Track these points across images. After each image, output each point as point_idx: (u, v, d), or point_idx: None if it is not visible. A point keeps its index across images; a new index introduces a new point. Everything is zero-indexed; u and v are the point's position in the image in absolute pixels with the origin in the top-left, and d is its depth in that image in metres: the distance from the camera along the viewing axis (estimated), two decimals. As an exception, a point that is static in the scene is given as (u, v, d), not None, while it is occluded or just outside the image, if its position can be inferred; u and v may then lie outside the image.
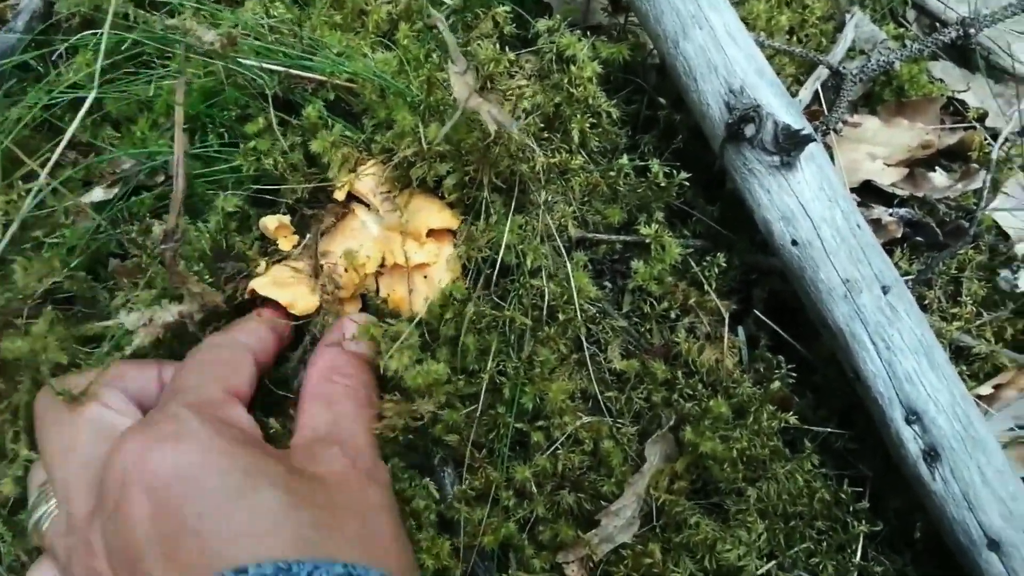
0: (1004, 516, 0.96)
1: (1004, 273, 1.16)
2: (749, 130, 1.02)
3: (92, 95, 1.02)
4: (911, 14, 1.51)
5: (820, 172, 1.05)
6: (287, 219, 1.12)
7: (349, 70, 1.16)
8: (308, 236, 1.14)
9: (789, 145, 1.01)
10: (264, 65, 1.15)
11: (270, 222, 1.10)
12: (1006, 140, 1.27)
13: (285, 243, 1.11)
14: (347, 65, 1.16)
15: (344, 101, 1.20)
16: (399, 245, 1.10)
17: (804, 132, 1.00)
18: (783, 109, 1.06)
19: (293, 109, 1.18)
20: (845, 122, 1.28)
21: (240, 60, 1.13)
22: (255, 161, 1.14)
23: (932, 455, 0.99)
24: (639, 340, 1.14)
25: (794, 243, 1.04)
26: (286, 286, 1.07)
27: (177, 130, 1.03)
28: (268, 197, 1.16)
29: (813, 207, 1.04)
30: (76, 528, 0.81)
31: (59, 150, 1.07)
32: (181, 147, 1.04)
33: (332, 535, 0.77)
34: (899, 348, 1.01)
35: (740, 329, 1.18)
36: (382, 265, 1.12)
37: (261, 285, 1.06)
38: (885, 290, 1.03)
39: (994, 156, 1.19)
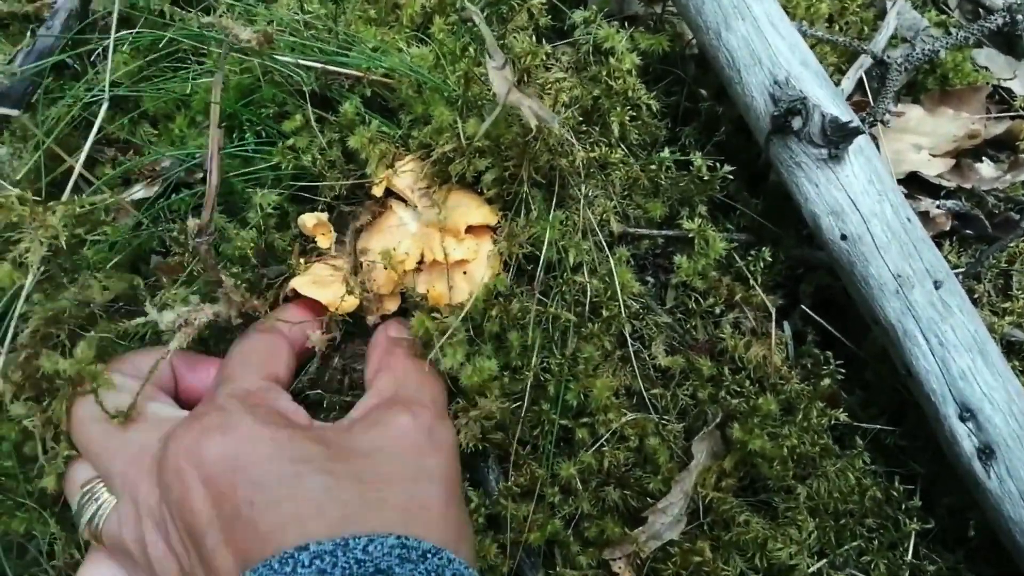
0: (1062, 515, 0.94)
1: (1055, 271, 1.14)
2: (796, 123, 1.00)
3: (105, 100, 1.01)
4: (952, 0, 1.48)
5: (869, 165, 1.03)
6: (325, 216, 1.11)
7: (385, 65, 1.14)
8: (346, 233, 1.13)
9: (838, 138, 0.99)
10: (300, 61, 1.14)
11: (308, 220, 1.10)
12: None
13: (323, 240, 1.10)
14: (383, 60, 1.15)
15: (381, 97, 1.19)
16: (438, 241, 1.09)
17: (853, 124, 0.98)
18: (830, 100, 1.03)
19: (330, 106, 1.17)
20: (890, 112, 1.26)
21: (276, 57, 1.12)
22: (293, 159, 1.13)
23: (987, 453, 0.97)
24: (683, 336, 1.13)
25: (843, 238, 1.02)
26: (326, 285, 1.07)
27: (212, 126, 1.03)
28: (306, 195, 1.16)
29: (863, 201, 1.01)
30: (149, 515, 0.85)
31: (89, 144, 1.07)
32: (216, 143, 1.03)
33: (378, 510, 0.80)
34: (952, 344, 0.99)
35: (786, 325, 1.16)
36: (421, 261, 1.11)
37: (302, 284, 1.06)
38: (937, 285, 1.01)
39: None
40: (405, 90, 1.15)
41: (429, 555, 0.77)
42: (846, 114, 1.03)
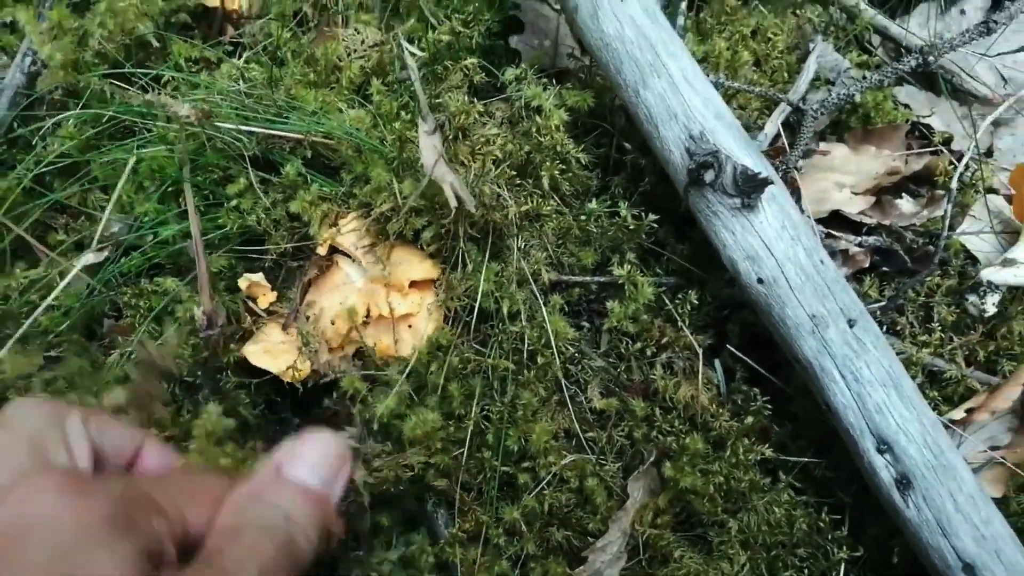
0: (977, 540, 0.99)
1: (972, 298, 1.19)
2: (709, 175, 1.05)
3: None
4: (876, 39, 1.55)
5: (782, 212, 1.08)
6: (260, 277, 1.15)
7: (324, 128, 1.19)
8: (294, 289, 1.18)
9: (748, 188, 1.04)
10: (242, 128, 1.19)
11: (242, 283, 1.14)
12: (967, 164, 1.29)
13: (263, 300, 1.14)
14: (322, 123, 1.20)
15: (323, 156, 1.24)
16: (383, 297, 1.14)
17: (762, 176, 1.03)
18: (743, 151, 1.09)
19: (273, 167, 1.22)
20: (809, 155, 1.32)
21: (218, 125, 1.17)
22: (239, 219, 1.18)
23: (904, 483, 1.02)
24: (618, 378, 1.17)
25: (760, 281, 1.07)
26: (279, 354, 1.11)
27: (191, 211, 1.08)
28: (254, 255, 1.20)
29: (776, 246, 1.07)
30: None
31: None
32: (197, 227, 1.08)
33: None
34: (867, 380, 1.04)
35: (717, 363, 1.21)
36: (367, 316, 1.16)
37: (253, 353, 1.10)
38: (851, 323, 1.06)
39: (954, 181, 1.22)
40: (345, 151, 1.21)
41: None
42: (758, 164, 1.08)
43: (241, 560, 0.58)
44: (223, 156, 1.20)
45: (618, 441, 1.14)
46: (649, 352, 1.17)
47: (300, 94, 1.26)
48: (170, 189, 1.23)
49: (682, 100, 1.11)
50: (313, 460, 0.67)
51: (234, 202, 1.19)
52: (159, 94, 1.08)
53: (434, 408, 1.08)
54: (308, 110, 1.24)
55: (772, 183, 1.05)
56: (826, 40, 1.45)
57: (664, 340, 1.17)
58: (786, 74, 1.42)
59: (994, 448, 1.18)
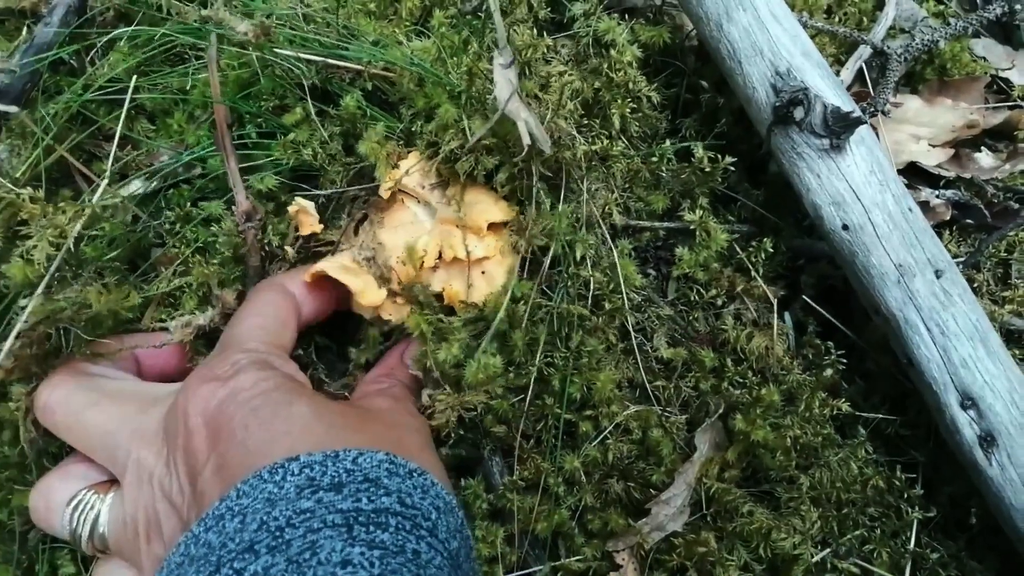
0: (1062, 501, 0.95)
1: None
2: (798, 113, 1.00)
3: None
4: (951, -9, 1.48)
5: (870, 155, 1.03)
6: (310, 205, 1.10)
7: (386, 59, 1.14)
8: (345, 225, 1.13)
9: (839, 128, 0.99)
10: (300, 55, 1.13)
11: (291, 208, 1.09)
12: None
13: (305, 228, 1.09)
14: (384, 54, 1.15)
15: (381, 91, 1.18)
16: (459, 239, 1.08)
17: (855, 114, 0.98)
18: (831, 91, 1.04)
19: (331, 99, 1.17)
20: (890, 103, 1.26)
21: (276, 50, 1.12)
22: (294, 153, 1.13)
23: (989, 441, 0.98)
24: (686, 328, 1.13)
25: (845, 228, 1.02)
26: (356, 274, 1.07)
27: (217, 103, 1.03)
28: (307, 188, 1.15)
29: (864, 191, 1.02)
30: (155, 479, 0.86)
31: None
32: (223, 120, 1.05)
33: (360, 434, 0.85)
34: (954, 333, 0.99)
35: (787, 315, 1.16)
36: (438, 257, 1.11)
37: (331, 268, 1.05)
38: (938, 274, 1.01)
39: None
40: (406, 84, 1.15)
41: (415, 474, 0.81)
42: (847, 104, 1.03)
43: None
44: (279, 83, 1.15)
45: (684, 393, 1.10)
46: (719, 302, 1.13)
47: (360, 24, 1.21)
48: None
49: (768, 35, 1.05)
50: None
51: (290, 134, 1.14)
52: (216, 9, 1.03)
53: (495, 354, 1.03)
54: (368, 40, 1.18)
55: (864, 122, 0.99)
56: (902, -13, 1.39)
57: (735, 290, 1.13)
58: (863, 19, 1.36)
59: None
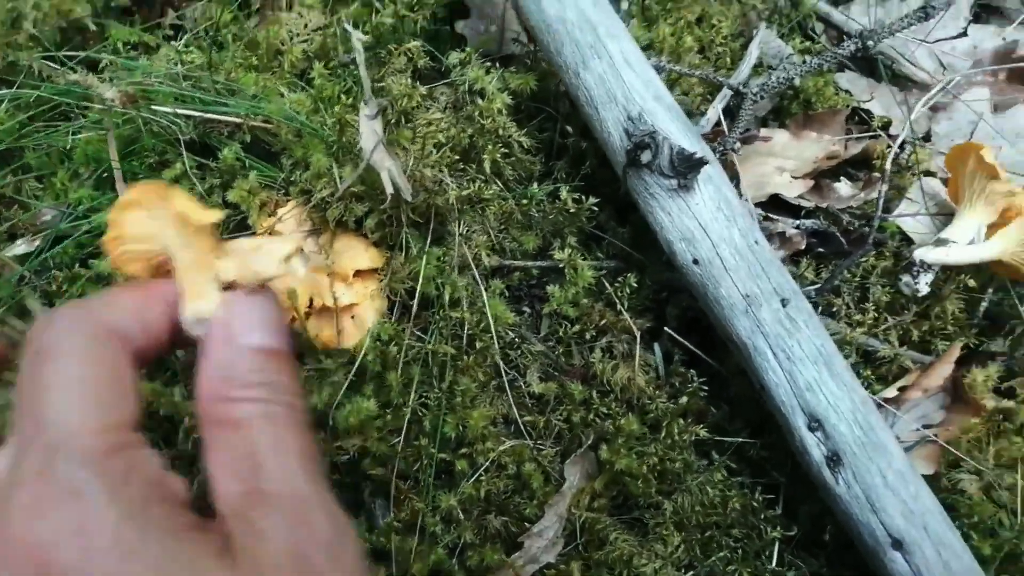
0: (906, 516, 1.01)
1: (905, 278, 1.21)
2: (645, 156, 1.06)
3: None
4: (820, 26, 1.56)
5: (718, 193, 1.09)
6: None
7: (264, 112, 1.18)
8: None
9: (684, 168, 1.05)
10: (178, 111, 1.17)
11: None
12: (904, 147, 1.31)
13: None
14: (262, 107, 1.19)
15: (263, 141, 1.23)
16: (327, 286, 1.13)
17: (698, 156, 1.04)
18: (680, 133, 1.10)
19: (212, 153, 1.21)
20: (751, 140, 1.33)
21: (153, 108, 1.16)
22: (174, 206, 1.17)
23: (835, 460, 1.04)
24: (557, 362, 1.18)
25: (696, 262, 1.08)
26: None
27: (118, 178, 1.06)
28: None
29: (712, 227, 1.08)
30: None
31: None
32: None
33: None
34: (799, 358, 1.05)
35: (656, 346, 1.21)
36: (310, 306, 1.15)
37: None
38: (784, 303, 1.07)
39: (888, 163, 1.24)
40: (285, 135, 1.19)
41: None
42: (694, 145, 1.09)
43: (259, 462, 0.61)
44: (160, 140, 1.19)
45: (556, 426, 1.15)
46: (588, 336, 1.18)
47: (240, 78, 1.25)
48: (105, 175, 1.21)
49: (622, 82, 1.11)
50: (262, 321, 0.67)
51: (170, 188, 1.17)
52: (86, 75, 1.06)
53: (371, 396, 1.07)
54: (248, 94, 1.23)
55: (708, 163, 1.05)
56: (770, 27, 1.47)
57: (604, 323, 1.18)
58: (730, 60, 1.43)
59: (927, 426, 1.20)
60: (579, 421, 1.14)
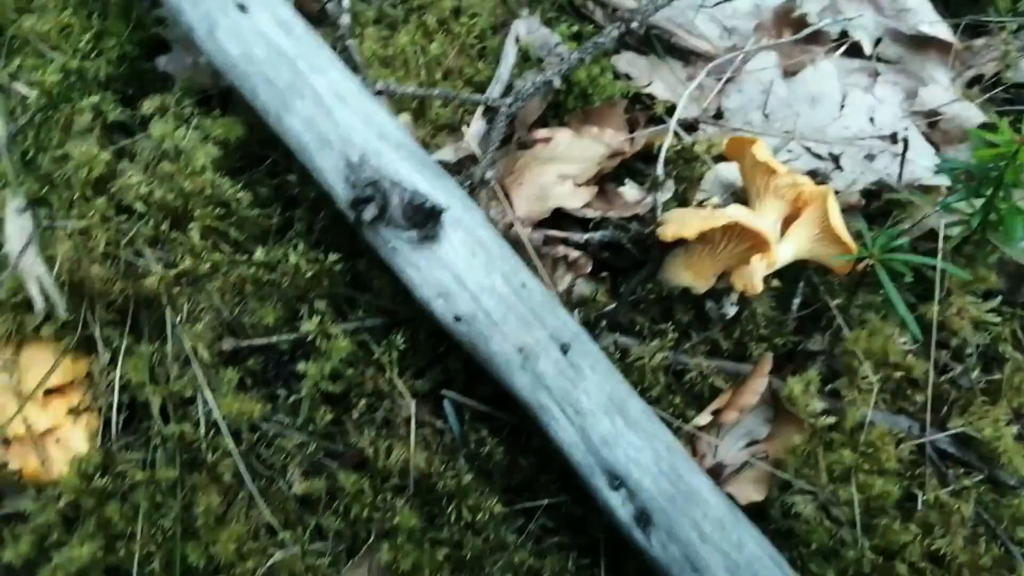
0: (731, 570, 0.90)
1: (709, 304, 1.09)
2: (369, 212, 0.88)
3: None
4: (595, 8, 1.41)
5: (470, 237, 0.93)
6: None
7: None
8: None
9: (421, 219, 0.89)
10: None
11: None
12: (691, 129, 1.18)
13: None
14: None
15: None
16: (15, 412, 0.92)
17: (430, 204, 0.88)
18: (416, 173, 0.93)
19: None
20: (535, 141, 1.16)
21: None
22: None
23: (644, 519, 0.91)
24: (329, 449, 1.00)
25: (457, 319, 0.93)
26: None
27: None
28: None
29: (469, 277, 0.92)
30: None
31: None
32: None
33: None
34: (589, 411, 0.92)
35: (447, 405, 1.05)
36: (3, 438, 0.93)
37: None
38: (565, 349, 0.93)
39: (661, 158, 1.11)
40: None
41: None
42: (433, 186, 0.92)
43: None
44: None
45: (332, 526, 0.97)
46: (357, 413, 1.01)
47: None
48: None
49: (334, 122, 0.93)
50: None
51: None
52: None
53: (84, 541, 0.87)
54: None
55: (444, 211, 0.89)
56: (532, 14, 1.30)
57: (378, 391, 1.01)
58: (494, 58, 1.26)
59: (752, 442, 1.10)
60: (357, 515, 0.97)
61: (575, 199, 1.17)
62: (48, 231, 0.86)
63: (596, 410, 0.92)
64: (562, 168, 1.21)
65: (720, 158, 1.24)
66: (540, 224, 1.15)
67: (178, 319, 0.96)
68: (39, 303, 0.81)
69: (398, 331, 1.03)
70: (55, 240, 0.88)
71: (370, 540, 0.96)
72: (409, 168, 0.92)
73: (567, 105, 1.28)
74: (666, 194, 1.16)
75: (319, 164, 0.93)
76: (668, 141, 1.16)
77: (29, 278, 0.81)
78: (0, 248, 0.85)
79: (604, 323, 1.08)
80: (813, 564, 1.01)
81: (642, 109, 1.32)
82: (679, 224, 0.99)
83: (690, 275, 1.05)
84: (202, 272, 0.98)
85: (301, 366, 1.00)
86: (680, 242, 1.05)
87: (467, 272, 0.92)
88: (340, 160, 0.92)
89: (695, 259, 1.04)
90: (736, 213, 1.00)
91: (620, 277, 1.15)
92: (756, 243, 1.00)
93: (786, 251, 1.06)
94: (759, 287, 1.06)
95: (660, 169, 1.11)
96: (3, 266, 0.89)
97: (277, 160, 1.08)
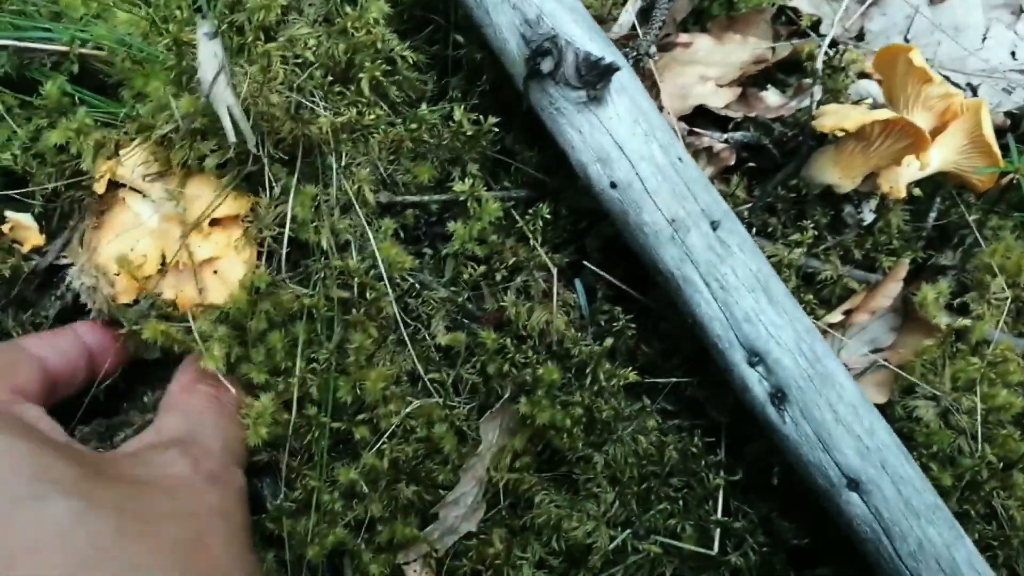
0: (861, 453, 0.91)
1: (848, 208, 1.09)
2: (547, 64, 0.90)
3: None
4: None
5: (633, 104, 0.94)
6: (25, 217, 0.96)
7: (91, 36, 0.98)
8: (65, 236, 0.98)
9: (594, 77, 0.90)
10: (-18, 40, 0.97)
11: (4, 225, 0.95)
12: (834, 46, 1.18)
13: (27, 244, 0.95)
14: (90, 31, 0.99)
15: (98, 71, 1.03)
16: (181, 240, 0.96)
17: (606, 61, 0.89)
18: (586, 36, 0.94)
19: (34, 89, 1.00)
20: (668, 47, 1.18)
21: (-49, 37, 0.95)
22: (-11, 156, 0.97)
23: (780, 397, 0.92)
24: (466, 309, 1.03)
25: (613, 185, 0.94)
26: None
27: None
28: (17, 198, 0.99)
29: (629, 144, 0.93)
30: None
31: None
32: None
33: (140, 543, 0.67)
34: (734, 287, 0.93)
35: (577, 282, 1.08)
36: (162, 264, 0.97)
37: None
38: (714, 225, 0.94)
39: (819, 62, 1.11)
40: (121, 63, 1.00)
41: None
42: (603, 49, 0.94)
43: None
44: (-34, 76, 0.98)
45: (468, 380, 1.01)
46: (500, 276, 1.03)
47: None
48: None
49: (515, -22, 0.95)
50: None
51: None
52: None
53: (258, 362, 0.92)
54: (75, 16, 1.02)
55: (620, 70, 0.90)
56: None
57: (517, 261, 1.04)
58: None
59: (876, 350, 1.10)
60: (494, 373, 1.00)
61: (717, 98, 1.18)
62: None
63: (741, 287, 0.93)
64: (703, 71, 1.22)
65: (862, 75, 1.24)
66: (680, 120, 1.16)
67: (340, 165, 0.99)
68: (230, 133, 0.84)
69: (541, 204, 1.05)
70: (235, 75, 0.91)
71: (506, 395, 0.99)
72: (582, 31, 0.94)
73: (711, 11, 1.29)
74: (806, 101, 1.16)
75: (495, 20, 0.95)
76: (830, 35, 1.15)
77: (220, 106, 0.84)
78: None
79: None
80: (933, 466, 1.01)
81: (785, 22, 1.31)
82: (839, 116, 0.99)
83: (838, 172, 1.06)
84: (366, 123, 1.01)
85: (451, 226, 1.02)
86: (829, 139, 1.06)
87: (628, 139, 0.93)
88: (517, 16, 0.94)
89: (846, 156, 1.04)
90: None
91: (755, 179, 1.16)
92: (915, 142, 0.99)
93: (935, 158, 1.06)
94: (903, 191, 1.06)
95: (819, 62, 1.11)
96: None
97: (438, 27, 1.10)
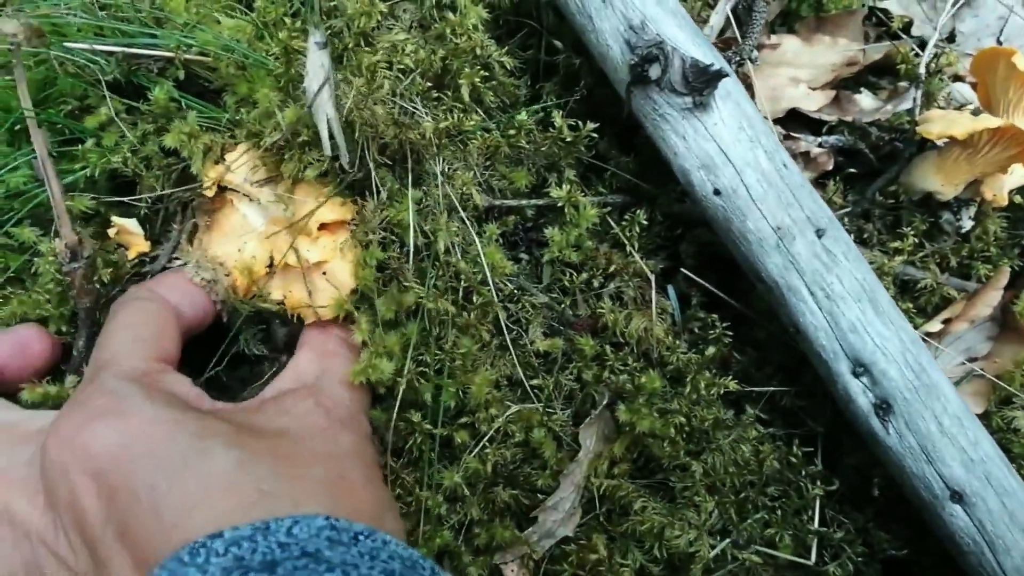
0: (966, 465, 0.90)
1: (946, 215, 1.07)
2: (654, 71, 0.90)
3: None
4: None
5: (738, 110, 0.94)
6: (132, 223, 0.98)
7: (197, 42, 1.00)
8: (174, 237, 1.01)
9: (700, 84, 0.90)
10: (97, 47, 0.99)
11: (111, 230, 0.97)
12: (934, 49, 1.16)
13: (133, 250, 0.97)
14: (196, 37, 1.01)
15: (201, 77, 1.05)
16: (288, 245, 0.97)
17: (715, 67, 0.89)
18: (690, 42, 0.93)
19: (141, 94, 1.02)
20: (761, 47, 1.17)
21: (65, 44, 0.97)
22: (102, 160, 0.99)
23: (884, 408, 0.92)
24: (563, 315, 1.04)
25: (717, 192, 0.94)
26: None
27: (32, 125, 0.90)
28: (126, 202, 1.02)
29: (734, 151, 0.93)
30: (35, 534, 0.74)
31: None
32: (42, 142, 0.92)
33: (296, 483, 0.74)
34: (840, 296, 0.92)
35: (670, 289, 1.08)
36: (270, 265, 0.99)
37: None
38: (820, 233, 0.93)
39: (922, 67, 1.09)
40: (226, 69, 1.02)
41: (361, 537, 0.68)
42: (709, 56, 0.93)
43: None
44: (79, 82, 1.00)
45: (566, 386, 1.01)
46: (596, 283, 1.04)
47: (168, 3, 1.06)
48: (18, 127, 1.03)
49: (618, -16, 0.94)
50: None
51: (92, 140, 1.00)
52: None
53: (390, 354, 0.93)
54: (179, 22, 1.04)
55: (727, 75, 0.90)
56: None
57: (612, 268, 1.04)
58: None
59: (972, 359, 1.09)
60: (592, 379, 1.00)
61: (810, 102, 1.17)
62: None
63: (847, 296, 0.92)
64: (793, 72, 1.21)
65: (956, 78, 1.22)
66: (774, 123, 1.15)
67: (444, 171, 0.99)
68: (327, 146, 0.85)
69: (637, 209, 1.05)
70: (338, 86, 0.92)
71: (604, 402, 0.99)
72: (685, 36, 0.93)
73: (799, 12, 1.27)
74: (906, 103, 1.15)
75: (599, 25, 0.95)
76: (934, 40, 1.14)
77: (320, 118, 0.85)
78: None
79: (837, 224, 1.08)
80: (1031, 480, 1.00)
81: (875, 24, 1.29)
82: (946, 123, 0.98)
83: (940, 178, 1.04)
84: (465, 129, 1.01)
85: (548, 231, 1.02)
86: (929, 145, 1.04)
87: (733, 145, 0.93)
88: (621, 22, 0.93)
89: (950, 163, 1.02)
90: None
91: (849, 185, 1.14)
92: (1022, 151, 0.98)
93: (1035, 169, 1.04)
94: (1006, 199, 1.04)
95: (922, 67, 1.09)
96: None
97: (531, 32, 1.11)
